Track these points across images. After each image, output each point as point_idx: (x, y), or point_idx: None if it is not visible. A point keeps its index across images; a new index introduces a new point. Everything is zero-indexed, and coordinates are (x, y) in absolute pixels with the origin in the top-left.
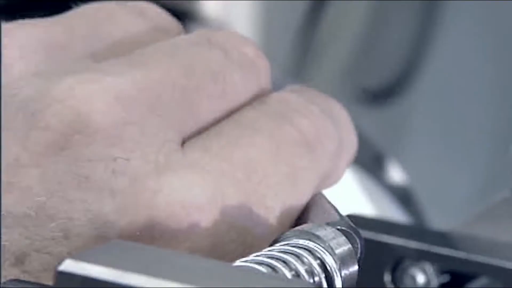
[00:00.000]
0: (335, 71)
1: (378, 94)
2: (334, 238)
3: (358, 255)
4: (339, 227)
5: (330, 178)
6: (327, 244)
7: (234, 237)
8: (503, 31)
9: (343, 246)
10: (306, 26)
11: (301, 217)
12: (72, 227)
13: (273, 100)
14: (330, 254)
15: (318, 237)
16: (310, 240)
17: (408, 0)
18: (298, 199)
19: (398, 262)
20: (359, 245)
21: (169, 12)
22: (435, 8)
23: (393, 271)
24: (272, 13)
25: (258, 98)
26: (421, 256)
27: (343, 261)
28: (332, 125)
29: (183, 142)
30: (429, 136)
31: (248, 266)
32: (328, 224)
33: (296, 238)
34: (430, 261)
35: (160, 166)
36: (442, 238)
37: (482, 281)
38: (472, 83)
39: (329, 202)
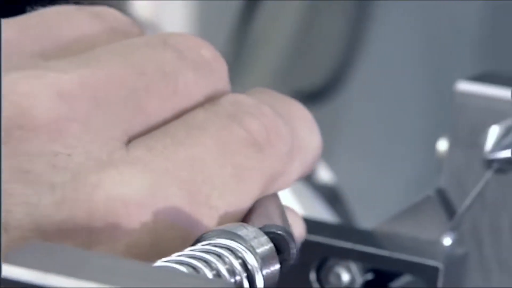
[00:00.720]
0: (267, 72)
1: (309, 95)
2: (255, 237)
3: (291, 259)
4: (267, 229)
5: (281, 180)
6: (248, 244)
7: (176, 235)
8: (432, 32)
9: (264, 245)
10: (239, 28)
11: (245, 218)
12: (11, 220)
13: (225, 101)
14: (252, 253)
15: (239, 236)
16: (231, 239)
17: (340, 0)
18: (244, 199)
19: (323, 260)
20: (291, 249)
21: None
22: (366, 9)
23: (319, 270)
24: (205, 13)
25: (212, 99)
26: (345, 255)
27: (264, 260)
28: (285, 127)
29: (129, 141)
30: (357, 136)
31: (169, 266)
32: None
33: (217, 238)
34: (355, 260)
35: (102, 162)
36: (366, 237)
37: (406, 279)
38: (401, 84)
39: (278, 205)
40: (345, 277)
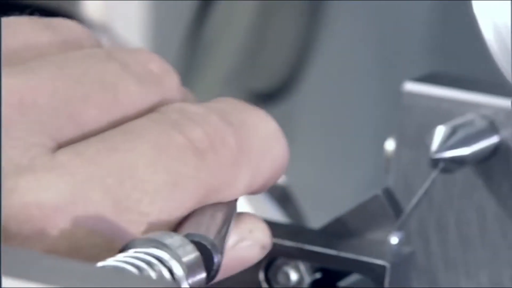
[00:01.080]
0: (221, 73)
1: (262, 96)
2: (181, 246)
3: (214, 269)
4: (193, 238)
5: (225, 190)
6: (174, 252)
7: (97, 242)
8: (383, 33)
9: (190, 254)
10: (192, 29)
11: (179, 226)
12: None
13: (170, 110)
14: (177, 261)
15: (165, 245)
16: (157, 247)
17: (294, 0)
18: (177, 207)
19: (272, 260)
20: (213, 259)
21: (50, 14)
22: (318, 11)
23: (267, 269)
24: (158, 15)
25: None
26: (294, 254)
27: (190, 269)
28: (233, 136)
29: (59, 147)
30: (308, 137)
31: (113, 266)
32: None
33: (143, 246)
34: (303, 259)
35: (22, 168)
36: (315, 236)
37: (353, 278)
38: (353, 85)
39: (216, 213)
40: (294, 276)
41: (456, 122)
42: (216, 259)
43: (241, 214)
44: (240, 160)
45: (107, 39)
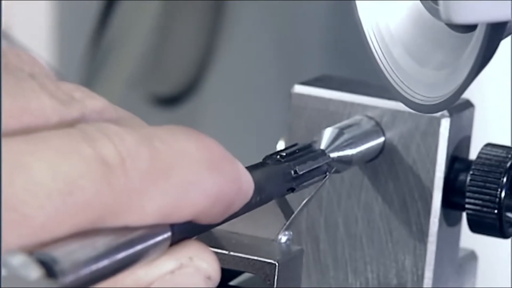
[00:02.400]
0: (124, 76)
1: (166, 98)
2: (23, 265)
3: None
4: (38, 256)
5: (126, 215)
6: (16, 270)
7: None
8: (285, 35)
9: (34, 272)
10: (96, 31)
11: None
12: None
13: (88, 125)
14: (22, 280)
15: (5, 263)
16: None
17: (196, 1)
18: (67, 219)
19: None
20: (57, 276)
21: None
22: (222, 13)
23: None
24: (62, 17)
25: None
26: None
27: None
28: (148, 161)
29: None
30: (214, 138)
31: None
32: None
33: None
34: None
35: None
36: (206, 236)
37: (245, 276)
38: (253, 87)
39: (97, 240)
40: None
41: (343, 124)
42: (62, 276)
43: (185, 241)
44: (151, 186)
45: (7, 44)
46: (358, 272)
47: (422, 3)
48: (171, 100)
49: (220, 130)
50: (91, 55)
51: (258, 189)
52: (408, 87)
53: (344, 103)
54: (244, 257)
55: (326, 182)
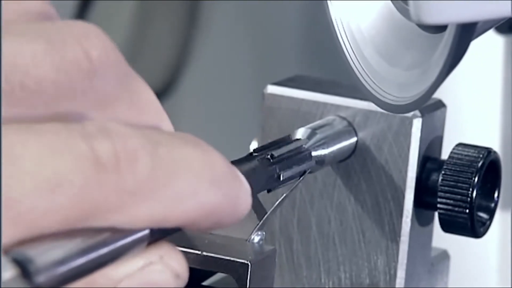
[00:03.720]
0: None
1: None
2: None
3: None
4: (14, 255)
5: (115, 216)
6: None
7: None
8: (260, 33)
9: (8, 271)
10: None
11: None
12: None
13: (92, 123)
14: None
15: None
16: None
17: (171, 1)
18: (51, 210)
19: None
20: (31, 277)
21: None
22: (197, 12)
23: None
24: None
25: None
26: None
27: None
28: (148, 166)
29: None
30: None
31: None
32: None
33: None
34: None
35: None
36: (178, 237)
37: (218, 276)
38: (228, 86)
39: (76, 240)
40: None
41: (316, 124)
42: (37, 279)
43: (156, 242)
44: (147, 191)
45: None
46: (331, 272)
47: (393, 3)
48: None
49: (194, 129)
50: None
51: None
52: (379, 87)
53: (316, 104)
54: (217, 257)
55: (300, 182)
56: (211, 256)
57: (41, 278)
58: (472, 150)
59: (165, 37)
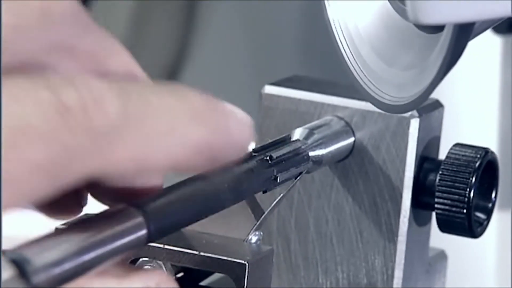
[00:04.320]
0: None
1: None
2: None
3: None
4: (10, 255)
5: (94, 157)
6: None
7: None
8: (258, 33)
9: (6, 271)
10: None
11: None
12: None
13: (56, 76)
14: None
15: None
16: None
17: (169, 1)
18: (21, 158)
19: (134, 260)
20: (32, 281)
21: None
22: (195, 12)
23: None
24: None
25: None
26: (156, 255)
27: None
28: (116, 105)
29: None
30: None
31: None
32: None
33: None
34: (165, 259)
35: None
36: (176, 237)
37: (215, 277)
38: (226, 85)
39: (73, 239)
40: None
41: (313, 124)
42: (35, 280)
43: (152, 269)
44: (122, 132)
45: None
46: (328, 272)
47: (390, 3)
48: None
49: None
50: None
51: (235, 188)
52: (377, 87)
53: (314, 104)
54: (214, 257)
55: (297, 182)
56: (209, 256)
57: (38, 279)
58: (470, 150)
59: (163, 37)
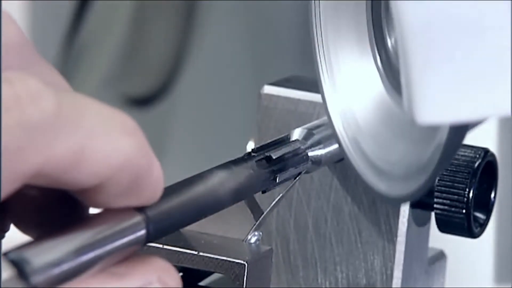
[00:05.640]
0: (97, 76)
1: (140, 98)
2: None
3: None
4: (10, 255)
5: (33, 153)
6: None
7: None
8: (257, 34)
9: (5, 271)
10: (69, 31)
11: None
12: None
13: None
14: None
15: None
16: None
17: (169, 0)
18: None
19: None
20: (27, 276)
21: None
22: (194, 14)
23: None
24: (36, 16)
25: None
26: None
27: (6, 285)
28: (52, 102)
29: None
30: (182, 140)
31: None
32: None
33: None
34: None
35: None
36: (175, 237)
37: (215, 277)
38: (226, 87)
39: (72, 239)
40: None
41: (312, 124)
42: (34, 280)
43: (149, 257)
44: (56, 127)
45: None
46: (327, 272)
47: (388, 96)
48: (144, 101)
49: (192, 130)
50: (64, 56)
51: (234, 189)
52: (374, 177)
53: (313, 104)
54: (214, 258)
55: (296, 182)
56: (208, 256)
57: (37, 279)
58: (469, 151)
59: (162, 37)
